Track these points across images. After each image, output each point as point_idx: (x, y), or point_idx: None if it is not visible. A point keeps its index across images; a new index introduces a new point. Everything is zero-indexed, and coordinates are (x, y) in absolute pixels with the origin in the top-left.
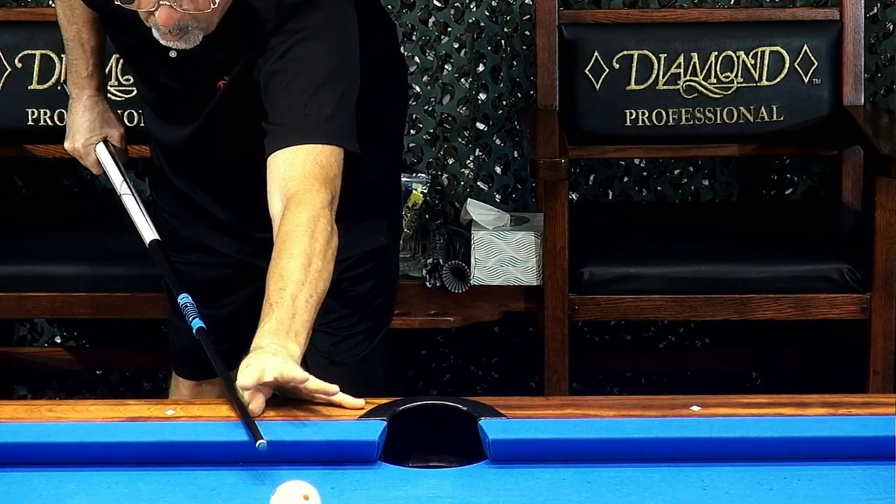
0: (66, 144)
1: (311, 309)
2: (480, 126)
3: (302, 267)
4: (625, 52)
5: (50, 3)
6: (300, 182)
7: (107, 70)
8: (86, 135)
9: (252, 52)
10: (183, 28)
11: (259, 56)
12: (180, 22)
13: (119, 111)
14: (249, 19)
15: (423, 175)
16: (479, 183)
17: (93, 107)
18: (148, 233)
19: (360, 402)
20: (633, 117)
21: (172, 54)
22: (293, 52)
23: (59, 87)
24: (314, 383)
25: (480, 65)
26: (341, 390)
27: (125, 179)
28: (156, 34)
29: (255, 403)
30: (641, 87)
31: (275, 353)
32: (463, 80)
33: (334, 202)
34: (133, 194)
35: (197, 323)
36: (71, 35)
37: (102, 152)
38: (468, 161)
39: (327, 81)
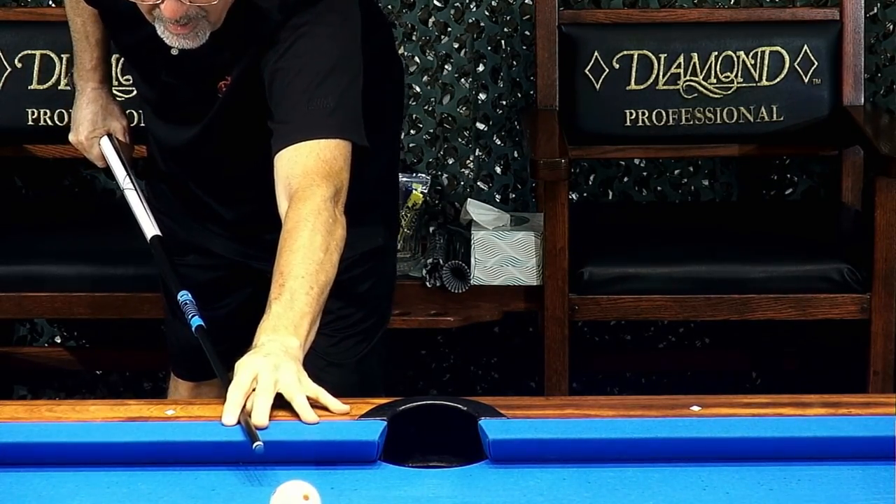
0: (71, 137)
1: (311, 301)
2: (480, 126)
3: (301, 261)
4: (625, 52)
5: (50, 2)
6: (302, 179)
7: None
8: (89, 128)
9: (256, 49)
10: (192, 19)
11: (266, 51)
12: (188, 12)
13: None
14: (253, 18)
15: (423, 175)
16: (479, 183)
17: (96, 99)
18: (150, 228)
19: (345, 407)
20: (633, 117)
21: (174, 52)
22: (295, 48)
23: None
24: (297, 403)
25: (480, 65)
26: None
27: (129, 174)
28: (160, 31)
29: (259, 411)
30: (641, 87)
31: (266, 355)
32: (463, 80)
33: (339, 195)
34: (136, 189)
35: (196, 321)
36: (77, 27)
37: (107, 146)
38: (468, 161)
39: (330, 75)
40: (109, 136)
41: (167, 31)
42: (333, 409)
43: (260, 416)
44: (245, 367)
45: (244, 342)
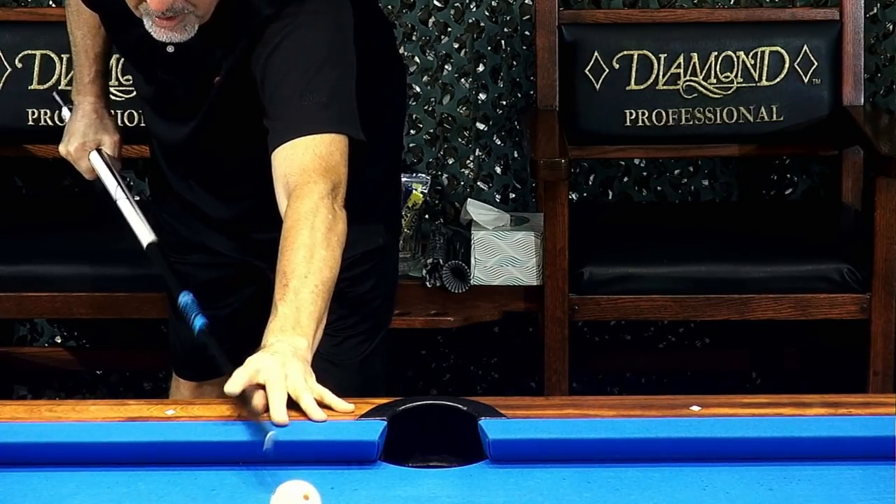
0: (60, 148)
1: (316, 299)
2: (480, 126)
3: (304, 259)
4: (625, 52)
5: (50, 2)
6: (299, 176)
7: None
8: (79, 140)
9: (246, 43)
10: (178, 12)
11: (254, 47)
12: (173, 5)
13: (119, 111)
14: (244, 11)
15: (423, 175)
16: (479, 183)
17: (91, 113)
18: (145, 236)
19: (349, 406)
20: (633, 117)
21: (170, 49)
22: (286, 44)
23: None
24: (305, 403)
25: (480, 65)
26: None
27: (120, 185)
28: (148, 26)
29: (276, 407)
30: (641, 87)
31: (273, 354)
32: (463, 80)
33: (337, 189)
34: (129, 199)
35: (199, 321)
36: (77, 41)
37: (96, 160)
38: (468, 161)
39: (322, 70)
40: (98, 149)
41: (154, 26)
42: (338, 409)
43: (278, 413)
44: (251, 361)
45: (248, 342)
